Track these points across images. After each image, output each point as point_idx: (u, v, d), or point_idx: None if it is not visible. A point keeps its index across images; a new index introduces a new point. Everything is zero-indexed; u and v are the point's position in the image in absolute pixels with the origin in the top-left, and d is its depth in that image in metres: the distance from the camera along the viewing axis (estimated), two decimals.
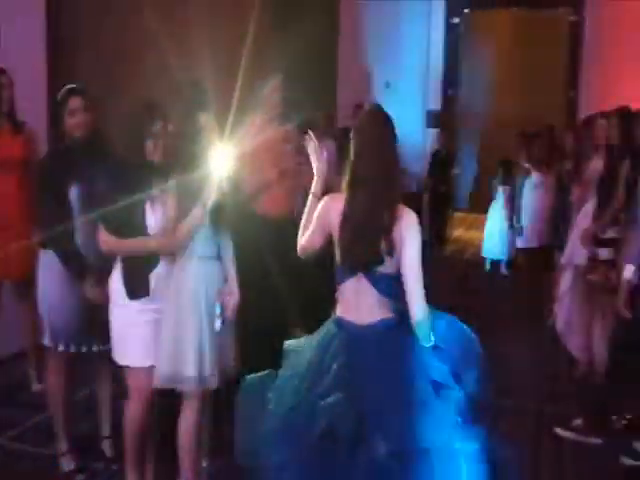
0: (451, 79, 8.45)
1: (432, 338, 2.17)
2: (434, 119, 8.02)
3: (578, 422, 3.93)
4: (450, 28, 8.30)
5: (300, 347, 2.33)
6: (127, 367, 2.94)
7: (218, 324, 2.88)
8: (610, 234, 4.23)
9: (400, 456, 2.03)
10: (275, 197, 3.88)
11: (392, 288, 2.19)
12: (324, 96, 7.80)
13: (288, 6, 7.60)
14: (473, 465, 2.09)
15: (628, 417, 3.98)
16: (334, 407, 2.06)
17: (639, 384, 3.79)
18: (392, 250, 2.16)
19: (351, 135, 2.29)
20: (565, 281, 5.14)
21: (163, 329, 2.86)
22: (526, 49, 9.58)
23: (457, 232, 9.44)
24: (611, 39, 7.64)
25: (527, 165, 6.13)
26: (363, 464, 2.02)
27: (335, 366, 2.13)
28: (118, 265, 2.90)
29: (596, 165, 4.70)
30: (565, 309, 5.20)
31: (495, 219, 7.55)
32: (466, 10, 8.44)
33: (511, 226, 6.54)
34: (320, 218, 2.32)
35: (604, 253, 4.26)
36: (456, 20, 8.35)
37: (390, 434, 2.04)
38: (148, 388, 2.90)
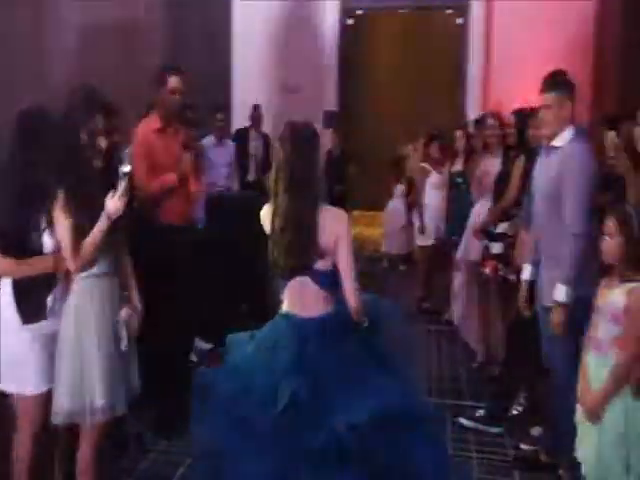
0: (346, 80, 8.56)
1: (366, 320, 2.44)
2: (330, 119, 8.10)
3: (480, 412, 4.08)
4: (344, 29, 8.41)
5: (244, 340, 2.51)
6: (18, 395, 2.69)
7: (124, 344, 2.70)
8: (501, 229, 4.41)
9: (356, 427, 2.20)
10: (175, 204, 3.78)
11: (331, 281, 2.43)
12: (219, 96, 7.70)
13: None
14: (421, 430, 2.35)
15: (524, 405, 4.18)
16: (292, 384, 2.26)
17: (534, 374, 3.98)
18: (324, 253, 2.41)
19: (277, 145, 2.50)
20: (460, 276, 5.34)
21: (62, 358, 2.62)
22: (417, 50, 9.85)
23: (356, 229, 9.59)
24: (497, 41, 7.98)
25: (426, 165, 6.29)
26: (323, 438, 2.18)
27: (286, 355, 2.34)
28: (8, 289, 2.66)
29: (487, 163, 4.89)
30: (461, 303, 5.41)
31: (393, 216, 7.71)
32: (359, 11, 8.58)
33: (410, 223, 6.71)
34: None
35: (496, 247, 4.44)
36: (350, 21, 8.46)
37: (345, 408, 2.24)
38: (42, 418, 2.67)
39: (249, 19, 8.43)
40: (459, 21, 8.35)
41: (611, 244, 2.70)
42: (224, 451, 2.32)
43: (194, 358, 4.68)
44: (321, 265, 2.43)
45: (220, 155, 6.17)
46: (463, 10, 8.23)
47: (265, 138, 7.17)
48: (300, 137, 2.47)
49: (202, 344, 4.98)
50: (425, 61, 9.78)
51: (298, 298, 2.47)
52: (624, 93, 6.45)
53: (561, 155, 3.20)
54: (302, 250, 2.40)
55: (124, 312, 2.73)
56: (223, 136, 6.24)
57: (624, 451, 2.62)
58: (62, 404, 2.60)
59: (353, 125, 8.87)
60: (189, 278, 3.84)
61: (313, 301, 2.45)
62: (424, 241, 6.30)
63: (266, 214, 2.52)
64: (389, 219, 7.86)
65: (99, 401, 2.60)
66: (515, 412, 4.16)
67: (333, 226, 2.43)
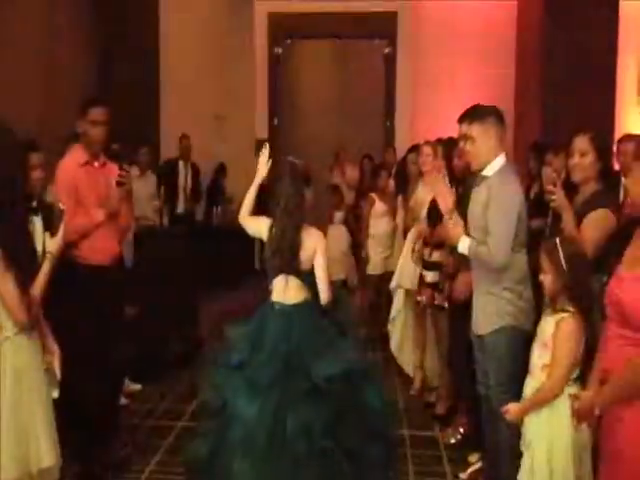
0: (276, 108, 8.58)
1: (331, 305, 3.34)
2: (262, 148, 8.08)
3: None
4: (274, 58, 8.43)
5: (241, 322, 3.27)
6: None
7: (56, 392, 2.59)
8: (436, 257, 4.45)
9: (330, 377, 3.02)
10: (102, 242, 3.63)
11: (309, 279, 3.32)
12: (146, 128, 7.56)
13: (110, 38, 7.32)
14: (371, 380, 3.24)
15: (462, 432, 4.19)
16: (283, 349, 3.12)
17: (472, 399, 3.99)
18: (305, 260, 3.28)
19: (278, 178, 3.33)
20: (396, 303, 5.36)
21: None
22: (346, 78, 9.95)
23: None
24: (424, 70, 8.17)
25: (373, 194, 6.28)
26: (306, 386, 3.01)
27: (278, 330, 3.18)
28: None
29: (422, 191, 4.93)
30: (398, 330, 5.42)
31: (331, 243, 7.66)
32: (288, 40, 8.63)
33: (352, 250, 6.66)
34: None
35: (431, 276, 4.48)
36: (279, 50, 8.50)
37: (321, 364, 3.06)
38: None
39: (177, 49, 8.37)
40: (387, 50, 8.50)
41: (545, 278, 2.78)
42: (232, 402, 3.06)
43: (124, 401, 4.52)
44: (303, 266, 3.30)
45: (143, 188, 6.06)
46: (391, 40, 8.40)
47: (194, 169, 7.09)
48: (296, 174, 3.34)
49: (132, 385, 4.83)
50: (355, 90, 9.89)
51: (283, 289, 3.29)
52: (545, 123, 6.69)
53: (488, 185, 3.22)
54: (290, 257, 3.26)
55: (47, 359, 2.60)
56: (146, 168, 6.13)
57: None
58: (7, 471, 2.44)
59: (285, 154, 8.86)
60: (117, 318, 3.71)
61: (294, 292, 3.30)
62: (369, 270, 6.27)
63: (263, 225, 3.32)
64: (328, 246, 7.81)
65: (47, 461, 2.51)
66: (453, 441, 4.18)
67: (312, 242, 3.30)
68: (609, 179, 3.38)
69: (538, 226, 3.95)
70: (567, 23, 6.56)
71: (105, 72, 7.15)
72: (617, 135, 6.46)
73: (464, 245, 3.23)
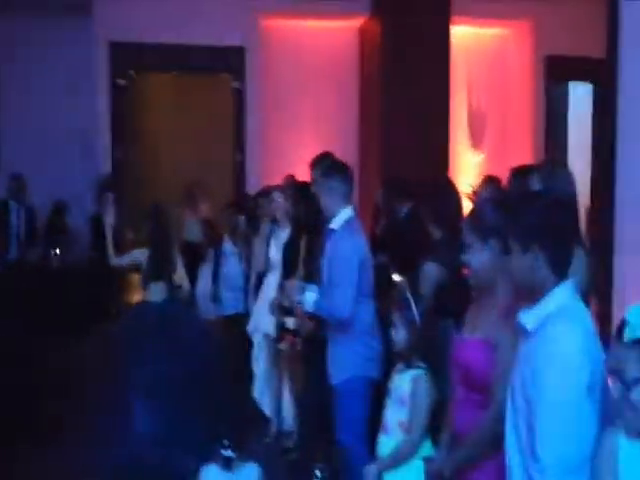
0: (119, 141, 8.20)
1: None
2: (107, 184, 7.66)
3: None
4: (116, 90, 8.07)
5: None
6: None
7: None
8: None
9: None
10: None
11: None
12: None
13: None
14: None
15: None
16: None
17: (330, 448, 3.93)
18: None
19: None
20: (255, 348, 5.22)
21: None
22: (194, 112, 9.75)
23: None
24: (274, 105, 8.16)
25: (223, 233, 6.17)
26: None
27: None
28: None
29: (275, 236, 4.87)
30: (257, 375, 5.29)
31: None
32: (131, 72, 8.30)
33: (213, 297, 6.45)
34: None
35: (290, 322, 4.39)
36: (122, 82, 8.15)
37: None
38: None
39: (15, 83, 7.81)
40: (235, 85, 8.42)
41: (397, 334, 2.78)
42: None
43: None
44: None
45: None
46: (239, 74, 8.32)
47: (29, 210, 6.55)
48: (162, 218, 3.73)
49: None
50: (203, 124, 9.72)
51: None
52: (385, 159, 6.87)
53: (334, 239, 3.28)
54: None
55: None
56: None
57: None
58: None
59: (129, 190, 8.47)
60: None
61: None
62: (221, 311, 6.10)
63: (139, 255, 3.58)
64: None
65: None
66: None
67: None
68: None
69: (382, 262, 4.04)
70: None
71: None
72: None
73: (309, 304, 3.29)
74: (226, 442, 2.90)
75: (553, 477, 2.00)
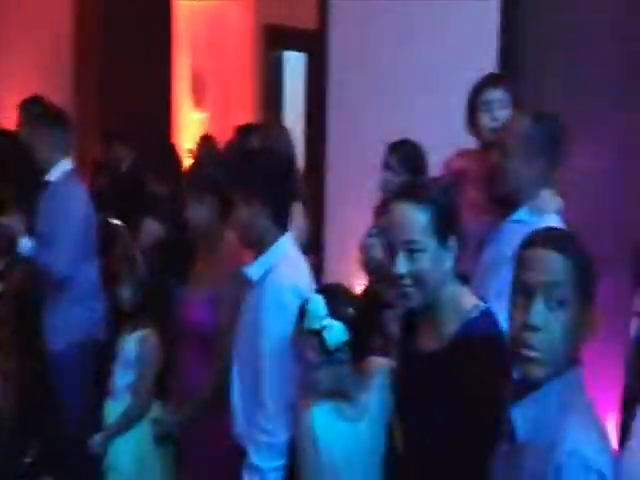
0: None
1: None
2: None
3: None
4: None
5: None
6: None
7: None
8: None
9: None
10: None
11: None
12: None
13: None
14: None
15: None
16: None
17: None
18: None
19: None
20: None
21: None
22: None
23: None
24: None
25: None
26: None
27: None
28: None
29: None
30: None
31: None
32: None
33: None
34: None
35: None
36: None
37: None
38: None
39: None
40: None
41: (123, 292, 2.69)
42: None
43: None
44: None
45: None
46: None
47: None
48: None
49: None
50: None
51: None
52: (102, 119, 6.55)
53: (51, 192, 3.07)
54: None
55: None
56: None
57: None
58: None
59: None
60: None
61: None
62: None
63: None
64: None
65: None
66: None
67: None
68: None
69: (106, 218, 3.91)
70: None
71: None
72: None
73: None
74: None
75: (278, 421, 2.09)
